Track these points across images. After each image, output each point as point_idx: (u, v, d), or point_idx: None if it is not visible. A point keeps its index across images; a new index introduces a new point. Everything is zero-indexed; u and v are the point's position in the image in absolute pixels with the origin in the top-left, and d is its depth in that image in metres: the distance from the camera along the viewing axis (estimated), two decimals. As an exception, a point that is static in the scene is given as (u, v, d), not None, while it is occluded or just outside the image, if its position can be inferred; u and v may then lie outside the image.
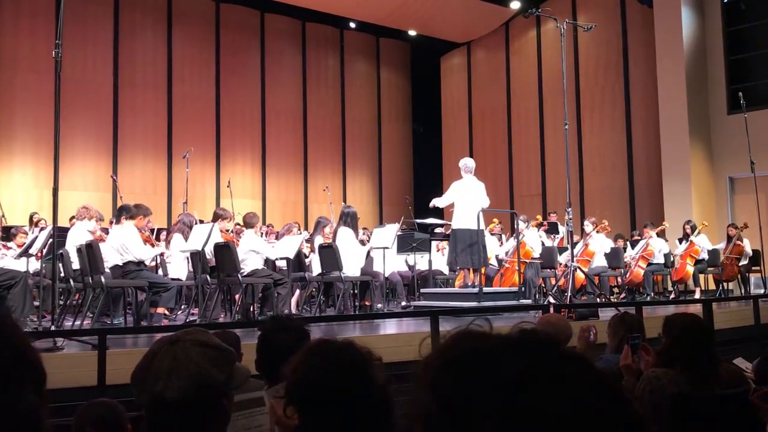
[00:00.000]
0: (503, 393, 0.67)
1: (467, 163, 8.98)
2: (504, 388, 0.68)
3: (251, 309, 8.00)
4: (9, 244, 8.74)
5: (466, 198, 8.70)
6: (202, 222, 9.21)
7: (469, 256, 8.55)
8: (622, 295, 11.60)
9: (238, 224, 10.27)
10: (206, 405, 1.48)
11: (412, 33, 18.32)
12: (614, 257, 11.20)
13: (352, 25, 18.03)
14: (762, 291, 10.81)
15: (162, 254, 8.25)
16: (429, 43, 18.82)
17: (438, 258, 10.89)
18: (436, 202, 9.01)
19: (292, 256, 8.43)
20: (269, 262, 8.48)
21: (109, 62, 15.30)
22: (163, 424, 1.48)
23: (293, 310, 8.54)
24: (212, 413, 1.50)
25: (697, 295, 11.18)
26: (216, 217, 8.42)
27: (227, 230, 8.62)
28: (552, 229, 12.09)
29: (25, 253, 7.71)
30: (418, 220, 10.36)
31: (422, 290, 9.41)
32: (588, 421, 0.66)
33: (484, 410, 0.67)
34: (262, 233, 11.23)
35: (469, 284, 8.74)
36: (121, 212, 7.53)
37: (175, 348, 1.51)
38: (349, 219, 8.83)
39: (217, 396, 1.51)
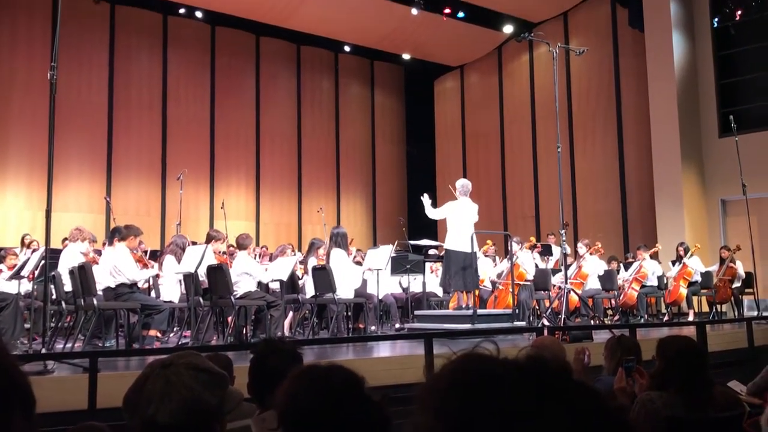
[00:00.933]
0: (510, 421, 0.66)
1: (464, 184, 9.01)
2: (511, 415, 0.67)
3: (244, 331, 7.96)
4: (0, 266, 8.70)
5: (459, 219, 8.70)
6: (195, 243, 9.19)
7: (462, 279, 8.54)
8: (616, 318, 11.60)
9: (232, 246, 10.25)
10: (198, 429, 1.47)
11: (406, 56, 18.46)
12: (608, 279, 11.20)
13: (347, 48, 18.16)
14: (755, 313, 10.82)
15: (157, 276, 8.22)
16: (423, 67, 18.96)
17: (432, 279, 10.88)
18: (429, 212, 9.02)
19: (285, 278, 8.41)
20: (262, 284, 8.45)
21: (104, 84, 15.34)
22: None
23: (286, 332, 8.50)
24: None
25: (691, 318, 11.19)
26: (209, 239, 8.40)
27: (220, 252, 8.59)
28: (546, 251, 12.10)
29: (16, 274, 7.67)
30: (412, 242, 10.36)
31: (416, 312, 9.38)
32: None
33: None
34: (255, 255, 11.21)
35: (464, 306, 8.72)
36: (114, 234, 7.51)
37: (167, 371, 1.50)
38: (339, 239, 8.81)
39: (210, 420, 1.49)
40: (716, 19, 14.57)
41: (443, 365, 0.77)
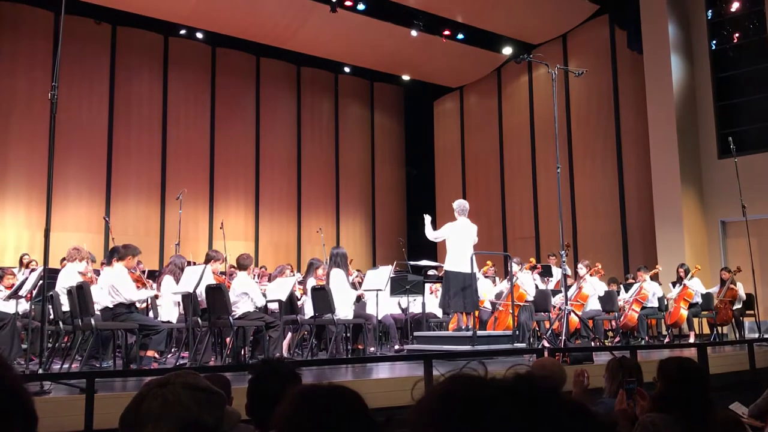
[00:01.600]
0: None
1: (462, 204, 9.01)
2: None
3: (242, 352, 7.91)
4: (-1, 286, 8.67)
5: (458, 240, 8.69)
6: (194, 263, 9.16)
7: (462, 300, 8.51)
8: (617, 339, 11.54)
9: (231, 266, 10.23)
10: None
11: (405, 78, 18.56)
12: (608, 301, 11.16)
13: (347, 69, 18.26)
14: (756, 335, 10.77)
15: (156, 296, 8.19)
16: (422, 88, 19.07)
17: (431, 300, 10.84)
18: (429, 233, 9.02)
19: (284, 299, 8.38)
20: (260, 306, 8.41)
21: (105, 104, 15.40)
22: None
23: (285, 353, 8.45)
24: None
25: (692, 339, 11.13)
26: (208, 259, 8.38)
27: (219, 272, 8.57)
28: (546, 272, 12.07)
29: (14, 294, 7.64)
30: (412, 262, 10.33)
31: (415, 333, 9.34)
32: None
33: None
34: (254, 275, 11.17)
35: (463, 327, 8.68)
36: (112, 254, 7.49)
37: (164, 391, 1.49)
38: (339, 259, 8.79)
39: None
40: (714, 42, 14.67)
41: (430, 388, 0.75)
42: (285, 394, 1.68)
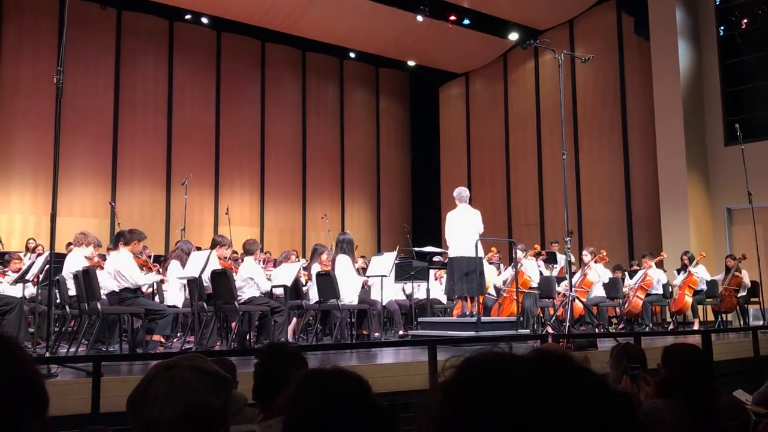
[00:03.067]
0: (515, 399, 0.66)
1: (461, 192, 9.02)
2: (516, 393, 0.66)
3: (248, 337, 7.95)
4: (5, 270, 8.72)
5: (460, 226, 8.71)
6: (199, 249, 9.19)
7: (465, 284, 8.52)
8: (621, 326, 11.55)
9: (236, 252, 10.25)
10: (201, 431, 1.46)
11: (411, 63, 18.49)
12: (613, 287, 11.16)
13: (352, 55, 18.19)
14: (761, 322, 10.76)
15: (162, 281, 8.23)
16: (428, 74, 18.99)
17: (436, 287, 10.86)
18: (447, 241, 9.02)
19: (289, 284, 8.40)
20: (266, 291, 8.44)
21: (110, 89, 15.40)
22: None
23: (290, 338, 8.49)
24: None
25: (696, 327, 11.13)
26: (214, 244, 8.40)
27: (225, 257, 8.59)
28: (550, 259, 12.07)
29: (21, 279, 7.68)
30: (416, 248, 10.34)
31: (420, 319, 9.36)
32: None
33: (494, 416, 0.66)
34: (260, 261, 11.20)
35: (467, 313, 8.70)
36: (118, 239, 7.52)
37: (171, 373, 1.50)
38: (345, 245, 8.81)
39: (213, 423, 1.48)
40: (722, 28, 14.56)
41: (454, 371, 0.76)
42: (291, 378, 1.69)
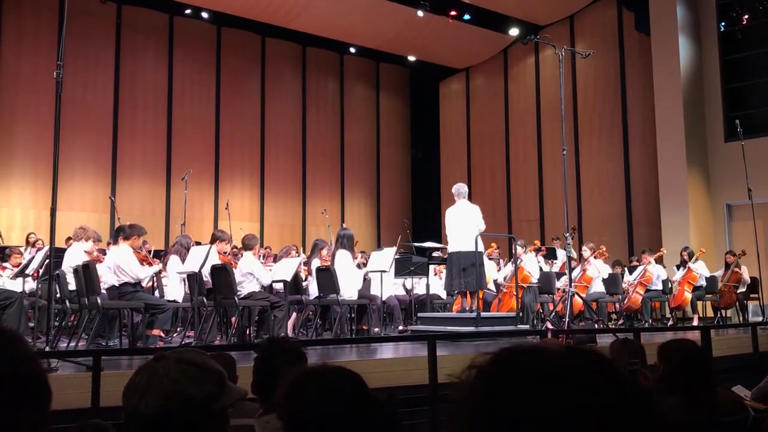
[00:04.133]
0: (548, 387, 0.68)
1: (460, 188, 9.04)
2: (549, 383, 0.68)
3: (247, 332, 7.96)
4: (5, 265, 8.72)
5: (458, 222, 8.72)
6: (199, 243, 9.19)
7: (463, 279, 8.53)
8: (620, 321, 11.56)
9: (236, 247, 10.25)
10: (182, 422, 1.46)
11: (411, 58, 18.46)
12: (612, 283, 11.17)
13: (352, 50, 18.17)
14: (760, 318, 10.78)
15: (160, 272, 8.23)
16: (428, 69, 18.97)
17: (436, 282, 10.86)
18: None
19: (289, 279, 8.41)
20: (266, 285, 8.45)
21: (110, 83, 15.38)
22: None
23: (290, 333, 8.49)
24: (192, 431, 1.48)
25: (695, 322, 11.14)
26: (214, 239, 8.41)
27: (225, 252, 8.60)
28: (550, 255, 12.07)
29: (21, 273, 7.68)
30: (416, 244, 10.35)
31: (419, 314, 9.37)
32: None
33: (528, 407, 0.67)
34: (259, 256, 11.20)
35: (467, 309, 8.71)
36: (118, 233, 7.52)
37: (157, 365, 1.51)
38: (345, 241, 8.81)
39: (194, 414, 1.47)
40: (723, 24, 14.54)
41: (481, 365, 0.76)
42: (289, 373, 1.69)
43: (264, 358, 2.70)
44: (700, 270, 11.40)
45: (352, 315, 9.00)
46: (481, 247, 8.71)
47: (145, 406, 1.44)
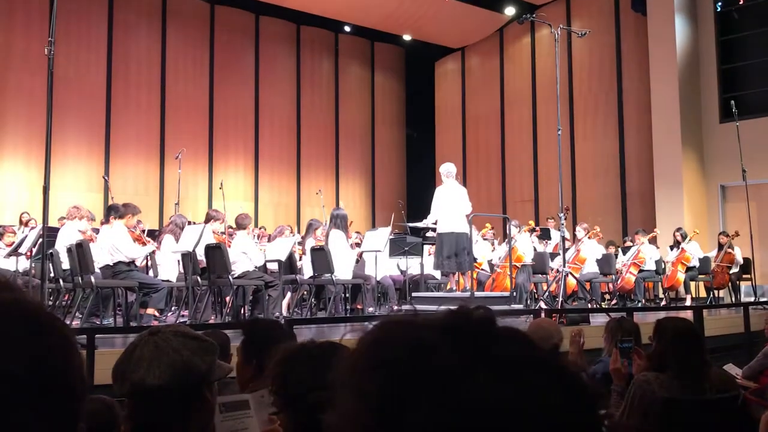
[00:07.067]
0: (438, 389, 0.60)
1: (449, 167, 9.02)
2: (439, 383, 0.61)
3: (242, 311, 7.97)
4: (-2, 244, 8.69)
5: (447, 202, 8.71)
6: (193, 223, 9.18)
7: (454, 260, 8.54)
8: (614, 302, 11.62)
9: (230, 226, 10.24)
10: (187, 393, 1.48)
11: (406, 38, 18.35)
12: (606, 263, 11.21)
13: (347, 28, 18.04)
14: (752, 299, 10.85)
15: (153, 252, 8.22)
16: (423, 48, 18.86)
17: (430, 262, 10.86)
18: (428, 221, 9.00)
19: (283, 259, 8.41)
20: (259, 265, 8.46)
21: (103, 61, 15.25)
22: (144, 411, 1.47)
23: (284, 312, 8.52)
24: (194, 402, 1.50)
25: (688, 303, 11.21)
26: (208, 219, 8.39)
27: (219, 232, 8.59)
28: (544, 235, 12.10)
29: (14, 252, 7.67)
30: (411, 224, 10.34)
31: (414, 294, 9.39)
32: (535, 405, 0.60)
33: (419, 411, 0.60)
34: (254, 235, 11.20)
35: (453, 289, 8.73)
36: (110, 212, 7.50)
37: (156, 338, 1.52)
38: (339, 221, 8.81)
39: (199, 385, 1.50)
40: (719, 4, 14.46)
41: (359, 339, 0.70)
42: (278, 350, 1.70)
43: (249, 338, 2.71)
44: (694, 251, 11.44)
45: (347, 295, 9.01)
46: (467, 228, 8.71)
47: (152, 378, 1.46)
